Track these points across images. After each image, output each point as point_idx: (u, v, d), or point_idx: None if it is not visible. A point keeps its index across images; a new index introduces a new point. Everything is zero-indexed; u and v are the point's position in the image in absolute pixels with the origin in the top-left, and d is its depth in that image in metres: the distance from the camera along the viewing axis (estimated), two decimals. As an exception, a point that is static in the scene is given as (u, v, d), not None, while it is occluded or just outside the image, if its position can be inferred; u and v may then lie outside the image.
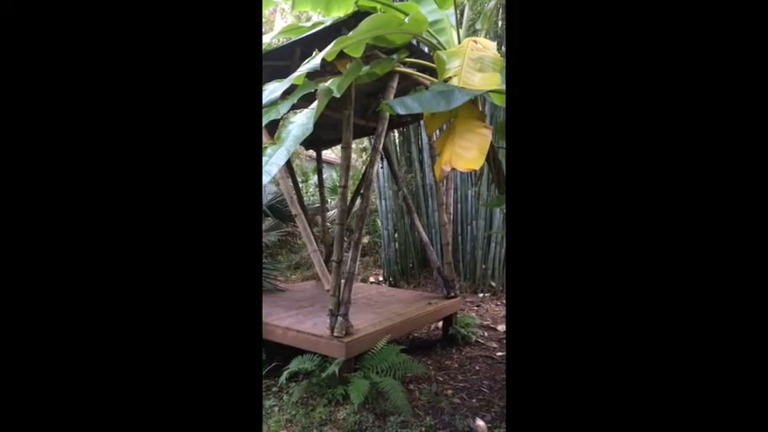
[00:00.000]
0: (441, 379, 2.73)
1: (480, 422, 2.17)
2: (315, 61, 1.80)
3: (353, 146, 5.06)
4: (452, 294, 3.46)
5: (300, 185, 5.58)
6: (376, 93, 3.52)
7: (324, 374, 2.34)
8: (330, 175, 7.50)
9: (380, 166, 5.07)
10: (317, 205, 5.42)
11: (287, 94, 2.05)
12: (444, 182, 3.54)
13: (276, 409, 2.31)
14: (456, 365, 2.96)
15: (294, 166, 5.51)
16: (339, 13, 2.40)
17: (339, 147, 6.33)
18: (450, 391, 2.55)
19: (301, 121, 1.98)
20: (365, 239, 6.26)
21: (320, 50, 1.85)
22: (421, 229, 3.89)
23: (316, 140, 4.51)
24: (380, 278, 5.59)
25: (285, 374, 2.40)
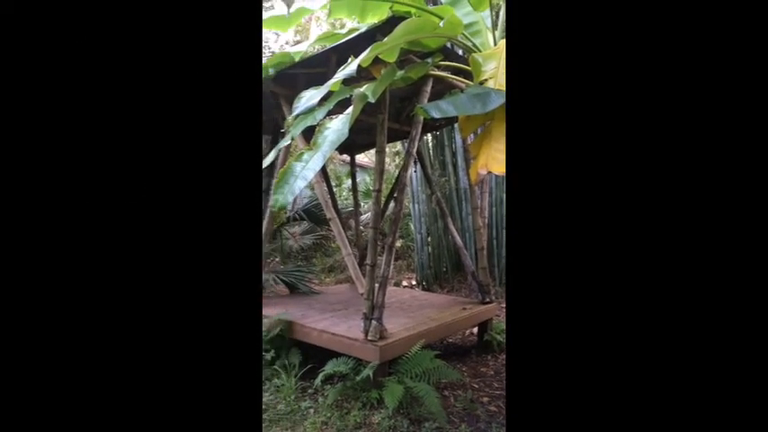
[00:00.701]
0: (476, 386, 2.68)
1: None
2: (351, 67, 1.82)
3: (386, 150, 5.08)
4: (488, 300, 3.40)
5: (334, 189, 5.66)
6: (410, 97, 3.52)
7: (358, 378, 2.35)
8: (363, 179, 7.56)
9: (414, 169, 5.06)
10: (351, 209, 5.48)
11: (323, 100, 2.09)
12: (479, 185, 3.49)
13: (312, 410, 2.34)
14: (492, 372, 2.90)
15: (328, 170, 5.60)
16: (374, 19, 2.42)
17: (372, 151, 6.37)
18: (485, 399, 2.50)
19: (337, 127, 2.01)
20: (398, 243, 6.27)
21: (356, 57, 1.88)
22: (455, 233, 3.84)
23: (350, 145, 4.57)
24: (413, 282, 5.56)
25: (321, 376, 2.44)
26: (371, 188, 7.04)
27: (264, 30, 4.26)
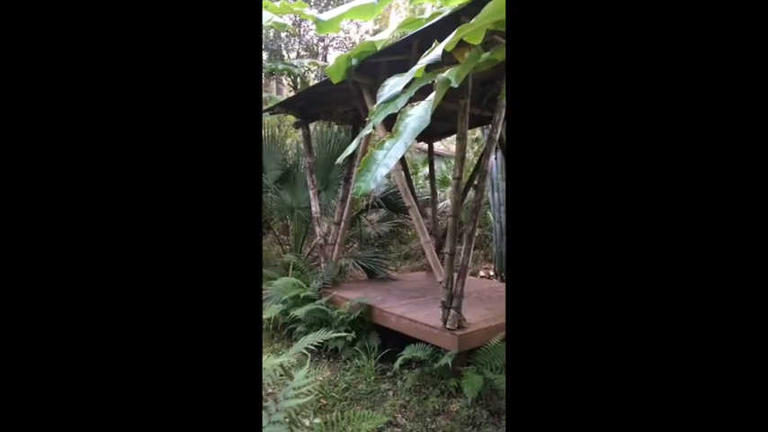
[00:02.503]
0: (560, 384, 2.55)
1: None
2: (435, 52, 1.79)
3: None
4: (574, 295, 3.19)
5: (411, 177, 5.68)
6: (493, 80, 3.38)
7: (436, 365, 2.37)
8: (439, 167, 7.47)
9: (494, 156, 4.88)
10: (427, 197, 5.46)
11: (405, 87, 2.09)
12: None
13: (390, 393, 2.41)
14: (578, 372, 2.74)
15: (405, 158, 5.61)
16: (458, 0, 2.35)
17: (448, 138, 6.23)
18: (571, 399, 2.37)
19: (418, 114, 2.00)
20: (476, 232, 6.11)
21: (439, 41, 1.84)
22: (538, 224, 3.64)
23: (428, 132, 4.53)
24: (491, 272, 5.41)
25: (399, 360, 2.49)
26: (448, 176, 6.88)
27: (346, 21, 4.33)
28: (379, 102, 2.11)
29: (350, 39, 7.30)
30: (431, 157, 4.96)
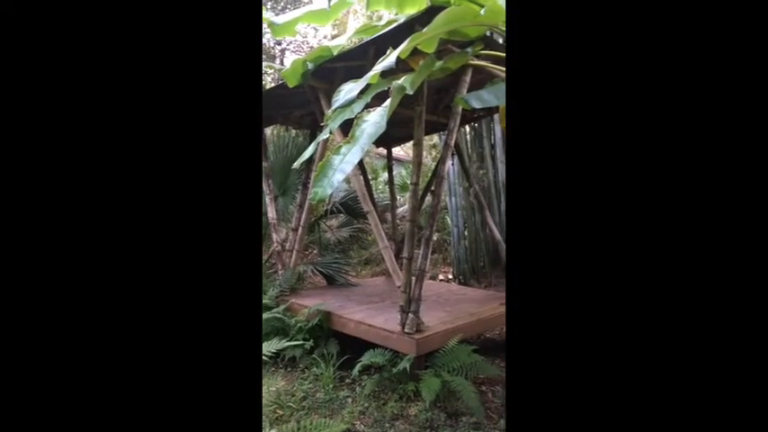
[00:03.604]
0: (515, 383, 2.63)
1: None
2: (390, 59, 1.81)
3: (423, 142, 4.99)
4: (527, 295, 3.31)
5: (370, 182, 5.68)
6: (447, 88, 3.47)
7: (395, 370, 2.37)
8: (399, 173, 7.54)
9: (451, 162, 4.99)
10: (387, 202, 5.49)
11: (361, 93, 2.09)
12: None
13: (349, 400, 2.38)
14: (531, 370, 2.83)
15: (364, 163, 5.62)
16: (412, 9, 2.39)
17: (408, 144, 6.31)
18: (524, 397, 2.44)
19: (374, 120, 2.01)
20: (434, 236, 6.20)
21: (394, 48, 1.86)
22: (493, 227, 3.76)
23: (386, 138, 4.57)
24: (450, 276, 5.51)
25: (358, 367, 2.47)
26: (408, 181, 6.96)
27: (303, 25, 4.29)
28: (333, 107, 2.10)
29: (307, 43, 7.25)
30: (389, 162, 5.00)
